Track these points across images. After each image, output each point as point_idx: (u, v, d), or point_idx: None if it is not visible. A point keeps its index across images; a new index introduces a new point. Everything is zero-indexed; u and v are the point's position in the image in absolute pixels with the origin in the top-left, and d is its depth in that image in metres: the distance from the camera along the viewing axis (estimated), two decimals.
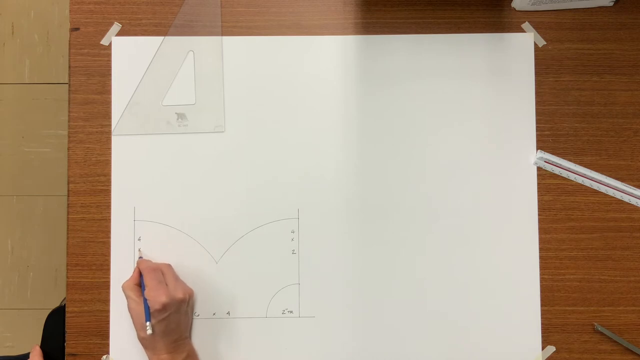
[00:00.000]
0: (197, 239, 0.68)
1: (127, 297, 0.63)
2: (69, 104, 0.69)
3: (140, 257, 0.67)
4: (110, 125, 0.68)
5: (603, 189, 0.68)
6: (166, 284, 0.63)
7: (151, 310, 0.61)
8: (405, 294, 0.68)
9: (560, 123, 0.69)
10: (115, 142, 0.68)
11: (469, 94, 0.69)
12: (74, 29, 0.69)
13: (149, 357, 0.63)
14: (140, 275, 0.64)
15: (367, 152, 0.68)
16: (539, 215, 0.68)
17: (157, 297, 0.60)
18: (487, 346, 0.67)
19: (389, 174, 0.68)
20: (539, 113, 0.69)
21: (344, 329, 0.68)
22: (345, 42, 0.69)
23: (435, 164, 0.68)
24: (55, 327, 0.77)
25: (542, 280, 0.68)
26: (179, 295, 0.62)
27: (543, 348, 0.68)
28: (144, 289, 0.62)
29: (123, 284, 0.64)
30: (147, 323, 0.61)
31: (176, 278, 0.65)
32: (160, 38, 0.69)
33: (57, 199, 1.27)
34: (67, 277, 0.68)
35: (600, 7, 0.69)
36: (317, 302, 0.68)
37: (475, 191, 0.68)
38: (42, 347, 0.75)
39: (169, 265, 0.66)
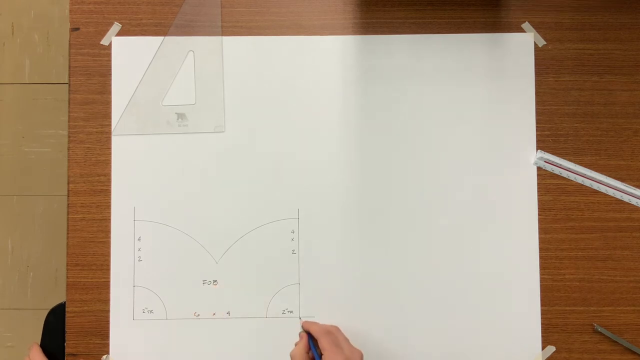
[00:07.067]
0: (197, 239, 0.68)
1: None
2: (69, 104, 0.69)
3: (300, 318, 0.66)
4: (110, 125, 0.68)
5: (603, 189, 0.68)
6: (342, 348, 0.60)
7: None
8: (405, 294, 0.68)
9: (560, 123, 0.69)
10: (115, 142, 0.68)
11: (468, 94, 0.69)
12: (74, 29, 0.69)
13: None
14: (308, 339, 0.62)
15: (367, 152, 0.68)
16: (539, 215, 0.68)
17: None
18: (487, 346, 0.67)
19: (389, 174, 0.68)
20: (539, 113, 0.69)
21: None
22: (345, 42, 0.69)
23: (435, 164, 0.68)
24: (55, 325, 0.76)
25: (542, 280, 0.68)
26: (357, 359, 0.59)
27: (543, 348, 0.68)
28: (317, 354, 0.60)
29: (292, 352, 0.61)
30: None
31: (347, 340, 0.62)
32: (160, 38, 0.69)
33: (57, 199, 1.27)
34: (67, 277, 0.68)
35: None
36: (317, 302, 0.68)
37: (475, 191, 0.68)
38: (42, 345, 0.74)
39: (338, 328, 0.64)
